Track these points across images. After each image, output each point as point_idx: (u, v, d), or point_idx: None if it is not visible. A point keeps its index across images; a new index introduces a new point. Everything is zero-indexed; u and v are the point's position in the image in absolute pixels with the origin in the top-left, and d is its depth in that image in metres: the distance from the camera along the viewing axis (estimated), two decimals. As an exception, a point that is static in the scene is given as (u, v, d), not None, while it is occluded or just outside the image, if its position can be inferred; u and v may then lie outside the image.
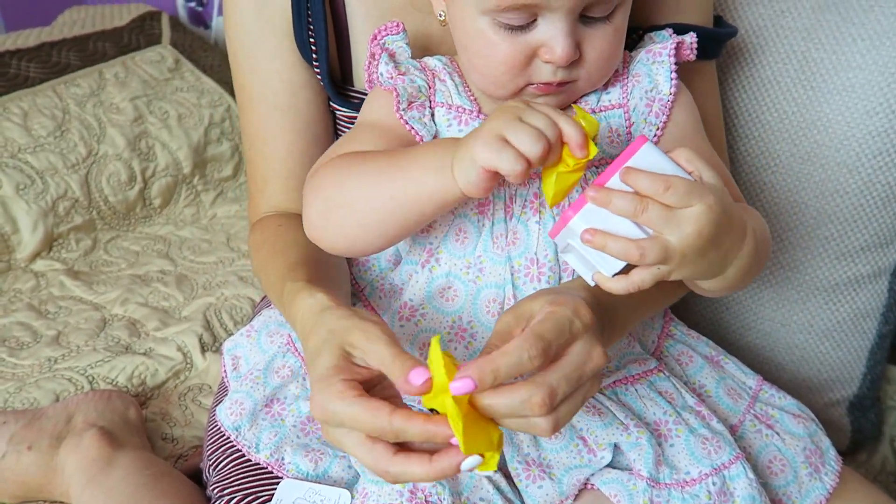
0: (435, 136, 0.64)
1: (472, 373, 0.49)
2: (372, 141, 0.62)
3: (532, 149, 0.50)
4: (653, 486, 0.64)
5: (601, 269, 0.53)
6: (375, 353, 0.52)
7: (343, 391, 0.51)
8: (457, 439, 0.48)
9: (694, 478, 0.65)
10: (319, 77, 0.74)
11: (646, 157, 0.51)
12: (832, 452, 0.72)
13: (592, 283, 0.54)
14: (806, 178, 0.86)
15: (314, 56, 0.72)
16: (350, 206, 0.59)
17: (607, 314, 0.60)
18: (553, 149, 0.51)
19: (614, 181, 0.51)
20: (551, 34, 0.57)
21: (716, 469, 0.65)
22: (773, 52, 0.86)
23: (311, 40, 0.72)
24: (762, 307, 0.93)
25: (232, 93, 1.46)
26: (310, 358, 0.57)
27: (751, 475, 0.65)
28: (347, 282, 0.73)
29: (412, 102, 0.63)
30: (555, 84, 0.60)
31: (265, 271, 0.71)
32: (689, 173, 0.52)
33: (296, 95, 0.74)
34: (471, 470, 0.49)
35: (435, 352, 0.50)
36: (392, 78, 0.64)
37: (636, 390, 0.69)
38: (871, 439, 0.98)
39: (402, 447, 0.51)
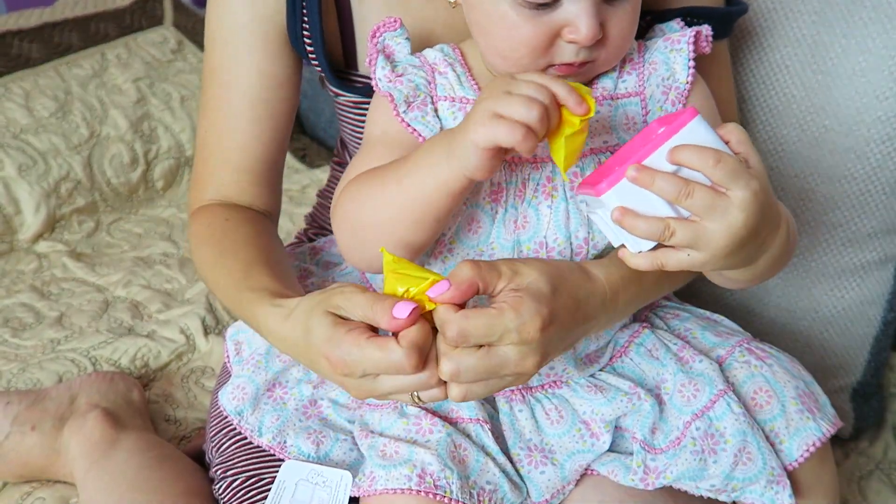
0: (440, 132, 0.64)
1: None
2: (382, 156, 0.62)
3: (527, 115, 0.50)
4: (647, 450, 0.65)
5: (628, 245, 0.52)
6: (357, 305, 0.54)
7: (355, 338, 0.53)
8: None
9: (681, 431, 0.65)
10: (318, 67, 0.73)
11: (693, 131, 0.49)
12: (830, 409, 0.69)
13: (616, 245, 0.55)
14: (813, 164, 0.86)
15: (309, 47, 0.71)
16: (373, 223, 0.59)
17: (608, 299, 0.60)
18: (550, 113, 0.51)
19: (656, 157, 0.50)
20: (576, 13, 0.56)
21: (696, 414, 0.65)
22: (781, 36, 0.85)
23: (305, 32, 0.71)
24: (767, 293, 0.93)
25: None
26: (300, 341, 0.58)
27: (737, 409, 0.64)
28: (293, 273, 0.74)
29: (411, 103, 0.63)
30: (576, 64, 0.59)
31: (213, 270, 0.71)
32: (736, 154, 0.51)
33: (270, 90, 0.73)
34: None
35: (389, 268, 0.54)
36: (391, 81, 0.64)
37: (630, 359, 0.70)
38: (874, 427, 0.98)
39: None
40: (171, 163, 1.40)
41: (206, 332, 1.06)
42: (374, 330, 0.55)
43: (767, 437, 0.66)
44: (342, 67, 0.75)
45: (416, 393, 0.55)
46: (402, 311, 0.52)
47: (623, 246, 0.53)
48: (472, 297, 0.55)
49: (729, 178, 0.49)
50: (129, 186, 1.36)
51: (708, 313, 0.76)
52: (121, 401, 0.88)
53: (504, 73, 0.62)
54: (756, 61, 0.87)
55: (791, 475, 0.66)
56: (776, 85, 0.86)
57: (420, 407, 0.65)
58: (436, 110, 0.64)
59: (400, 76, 0.64)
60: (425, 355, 0.53)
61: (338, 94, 0.76)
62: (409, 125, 0.63)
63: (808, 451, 0.65)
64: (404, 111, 0.63)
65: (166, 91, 1.43)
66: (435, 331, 0.54)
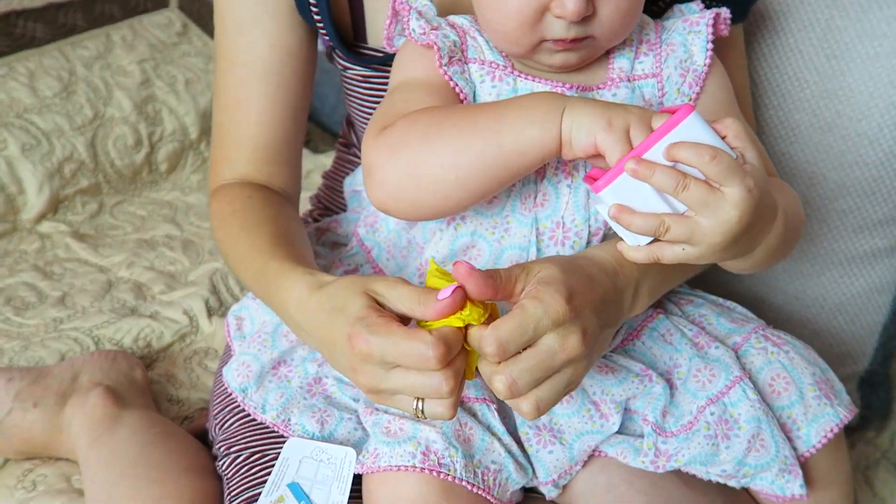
0: (474, 93, 0.63)
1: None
2: (425, 100, 0.60)
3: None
4: (658, 433, 0.64)
5: (626, 238, 0.53)
6: (401, 297, 0.53)
7: (387, 322, 0.53)
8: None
9: (694, 415, 0.65)
10: (326, 36, 0.72)
11: (690, 127, 0.50)
12: (846, 396, 0.69)
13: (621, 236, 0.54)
14: (825, 149, 0.85)
15: (316, 16, 0.71)
16: (442, 163, 0.55)
17: (632, 284, 0.59)
18: None
19: (653, 153, 0.50)
20: None
21: (711, 399, 0.65)
22: (795, 20, 0.85)
23: (312, 0, 0.70)
24: (775, 280, 0.92)
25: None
26: (323, 316, 0.57)
27: (752, 395, 0.64)
28: (313, 258, 0.73)
29: (452, 57, 0.62)
30: (569, 40, 0.58)
31: (237, 243, 0.70)
32: (733, 149, 0.51)
33: (282, 63, 0.72)
34: None
35: (433, 275, 0.53)
36: (425, 34, 0.62)
37: (642, 343, 0.69)
38: (881, 416, 0.97)
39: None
40: (175, 146, 1.39)
41: (210, 313, 1.05)
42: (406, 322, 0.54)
43: (785, 424, 0.66)
44: (351, 40, 0.74)
45: (419, 403, 0.53)
46: (446, 290, 0.52)
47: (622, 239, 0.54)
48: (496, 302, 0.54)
49: (724, 175, 0.49)
50: (132, 168, 1.35)
51: (721, 300, 0.75)
52: (123, 379, 0.87)
53: (501, 48, 0.61)
54: (768, 45, 0.86)
55: (806, 466, 0.66)
56: (788, 69, 0.85)
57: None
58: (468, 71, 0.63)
59: (435, 29, 0.62)
60: (451, 355, 0.51)
61: (347, 68, 0.76)
62: (451, 78, 0.61)
63: (826, 437, 0.66)
64: (446, 63, 0.61)
65: (171, 73, 1.42)
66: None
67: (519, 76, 0.62)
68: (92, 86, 1.34)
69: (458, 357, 0.53)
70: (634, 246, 0.52)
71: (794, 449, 0.66)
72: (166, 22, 1.49)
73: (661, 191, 0.50)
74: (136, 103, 1.36)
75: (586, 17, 0.57)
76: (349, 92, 0.79)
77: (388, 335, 0.52)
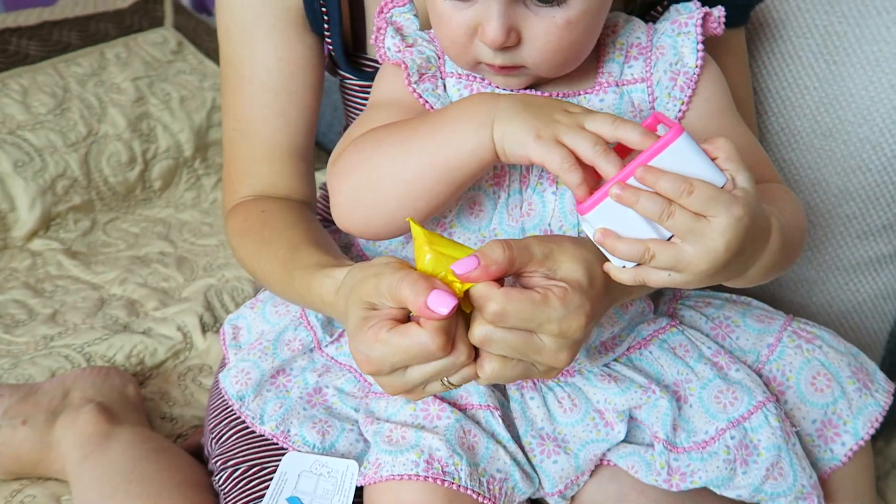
0: None
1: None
2: (393, 119, 0.60)
3: (593, 156, 0.50)
4: (670, 450, 0.63)
5: (612, 260, 0.52)
6: (387, 288, 0.51)
7: (375, 334, 0.51)
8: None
9: (712, 436, 0.63)
10: (331, 47, 0.72)
11: (678, 151, 0.48)
12: (880, 374, 0.69)
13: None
14: (827, 155, 0.85)
15: (326, 27, 0.70)
16: (382, 180, 0.56)
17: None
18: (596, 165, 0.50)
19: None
20: (485, 14, 0.55)
21: (733, 423, 0.63)
22: (794, 26, 0.85)
23: (324, 10, 0.69)
24: (780, 288, 0.91)
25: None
26: (345, 324, 0.57)
27: (774, 423, 0.63)
28: (338, 249, 0.72)
29: (423, 74, 0.62)
30: (497, 67, 0.58)
31: (259, 258, 0.70)
32: (724, 171, 0.50)
33: (291, 77, 0.72)
34: None
35: (425, 246, 0.51)
36: (400, 51, 0.62)
37: (650, 353, 0.67)
38: (889, 426, 0.95)
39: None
40: (169, 163, 1.38)
41: (204, 329, 1.04)
42: (405, 315, 0.52)
43: (831, 420, 0.67)
44: (351, 50, 0.73)
45: (446, 378, 0.53)
46: (442, 304, 0.49)
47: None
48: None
49: (706, 206, 0.48)
50: (126, 186, 1.34)
51: (735, 296, 0.74)
52: (116, 395, 0.86)
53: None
54: (768, 52, 0.86)
55: (830, 480, 0.67)
56: (788, 76, 0.85)
57: (438, 397, 0.63)
58: (444, 86, 0.63)
59: (410, 46, 0.63)
60: (452, 335, 0.50)
61: (346, 78, 0.75)
62: (420, 96, 0.61)
63: (872, 426, 0.67)
64: (416, 81, 0.61)
65: (166, 91, 1.41)
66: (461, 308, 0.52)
67: (497, 87, 0.62)
68: (86, 103, 1.33)
69: (459, 324, 0.51)
70: (620, 267, 0.51)
71: (843, 444, 0.67)
72: (161, 40, 1.49)
73: (646, 217, 0.49)
74: (131, 120, 1.35)
75: (513, 47, 0.56)
76: (348, 101, 0.79)
77: (382, 345, 0.51)
